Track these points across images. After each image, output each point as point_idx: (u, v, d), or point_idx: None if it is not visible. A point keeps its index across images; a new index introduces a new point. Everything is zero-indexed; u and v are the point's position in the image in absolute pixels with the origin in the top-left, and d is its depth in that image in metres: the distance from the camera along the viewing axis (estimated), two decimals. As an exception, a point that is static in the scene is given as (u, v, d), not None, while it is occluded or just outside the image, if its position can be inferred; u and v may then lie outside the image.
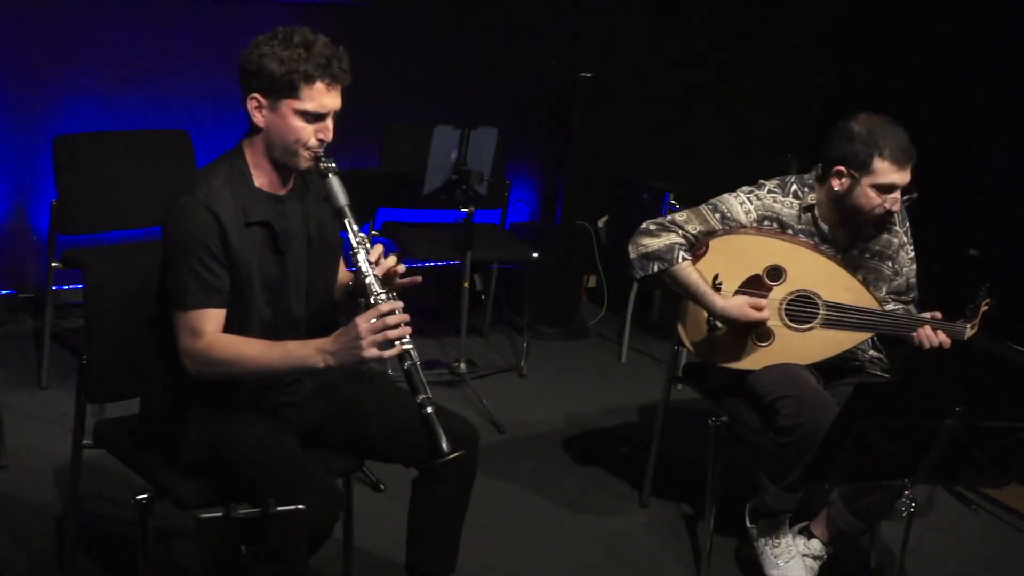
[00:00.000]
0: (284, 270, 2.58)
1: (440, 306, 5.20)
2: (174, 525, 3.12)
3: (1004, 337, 4.24)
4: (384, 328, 2.39)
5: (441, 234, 4.66)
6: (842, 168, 3.08)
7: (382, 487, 3.57)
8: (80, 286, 4.18)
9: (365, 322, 2.39)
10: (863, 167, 3.04)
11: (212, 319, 2.47)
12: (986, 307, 3.12)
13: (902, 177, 3.05)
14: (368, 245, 2.51)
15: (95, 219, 4.12)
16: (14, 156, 4.53)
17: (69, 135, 4.13)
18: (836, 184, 3.10)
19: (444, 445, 2.42)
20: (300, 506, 2.15)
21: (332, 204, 2.52)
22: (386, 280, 2.52)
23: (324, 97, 2.47)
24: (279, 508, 2.13)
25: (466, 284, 4.35)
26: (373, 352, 2.39)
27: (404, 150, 4.70)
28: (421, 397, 2.44)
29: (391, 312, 2.40)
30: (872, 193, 3.05)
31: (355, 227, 2.50)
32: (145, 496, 2.58)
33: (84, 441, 2.82)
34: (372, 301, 2.45)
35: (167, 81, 4.68)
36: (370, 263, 2.49)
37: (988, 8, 5.01)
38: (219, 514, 2.11)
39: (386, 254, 2.57)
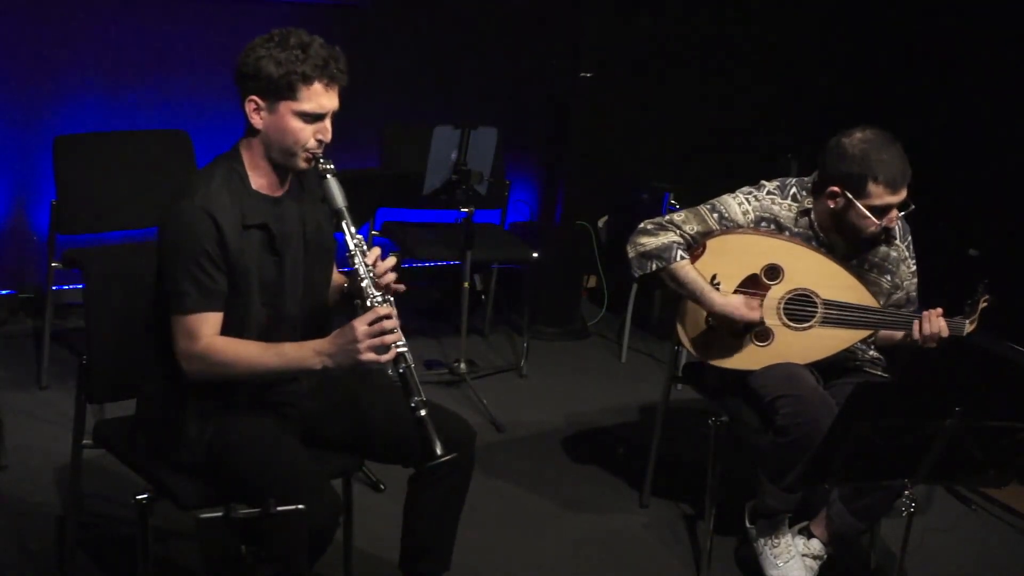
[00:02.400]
0: (281, 272, 2.58)
1: (440, 306, 5.20)
2: (174, 525, 3.12)
3: (1004, 337, 4.24)
4: (381, 332, 2.40)
5: (441, 234, 4.66)
6: (836, 189, 3.06)
7: (382, 487, 3.57)
8: (80, 286, 4.18)
9: (362, 325, 2.40)
10: (857, 191, 3.02)
11: (209, 322, 2.47)
12: (984, 303, 3.11)
13: (898, 198, 3.04)
14: (365, 247, 2.52)
15: (95, 219, 4.12)
16: (14, 156, 4.53)
17: (69, 135, 4.13)
18: (831, 203, 3.09)
19: (437, 448, 2.43)
20: (300, 506, 2.15)
21: (330, 206, 2.53)
22: (381, 283, 2.52)
23: (322, 98, 2.47)
24: (279, 508, 2.13)
25: (466, 284, 4.35)
26: (370, 356, 2.41)
27: (404, 150, 4.70)
28: (415, 400, 2.45)
29: (388, 316, 2.41)
30: (867, 214, 3.04)
31: (352, 229, 2.51)
32: (145, 496, 2.58)
33: (84, 441, 2.83)
34: (369, 304, 2.46)
35: (167, 81, 4.68)
36: (367, 266, 2.50)
37: (988, 7, 5.01)
38: (219, 514, 2.11)
39: (384, 255, 2.58)
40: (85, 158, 4.10)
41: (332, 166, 2.53)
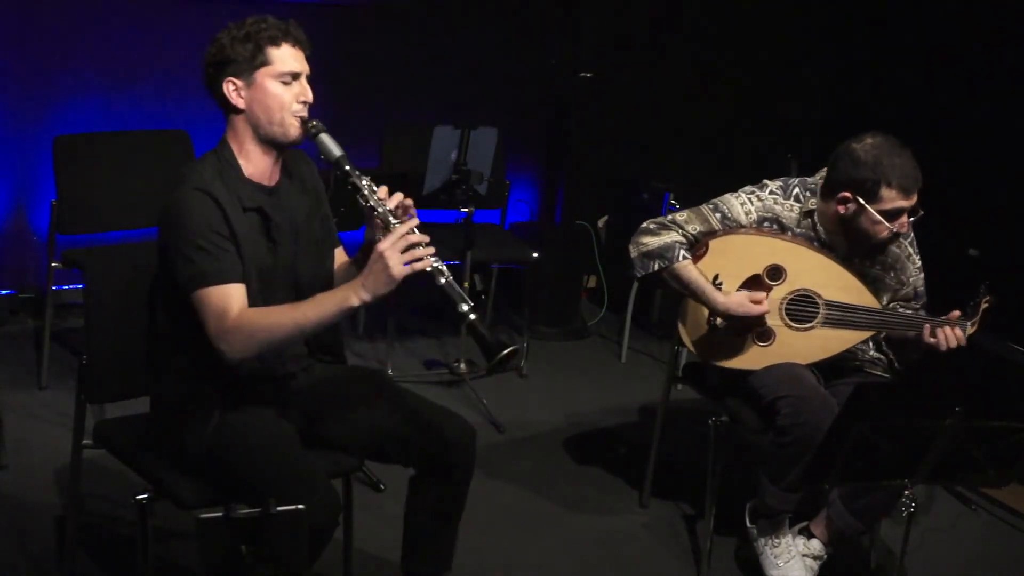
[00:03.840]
0: (275, 259, 2.58)
1: (439, 306, 5.19)
2: (174, 525, 3.12)
3: (1004, 337, 4.24)
4: (408, 245, 2.38)
5: (441, 234, 4.61)
6: (847, 194, 3.06)
7: (382, 487, 3.57)
8: (80, 286, 4.18)
9: (387, 244, 2.38)
10: (870, 196, 3.02)
11: (236, 294, 2.44)
12: (986, 305, 3.11)
13: (909, 202, 3.03)
14: (374, 185, 2.52)
15: (95, 219, 4.12)
16: (14, 156, 4.54)
17: (69, 135, 4.13)
18: (842, 209, 3.08)
19: (496, 340, 2.39)
20: (300, 506, 2.15)
21: (328, 158, 2.54)
22: (398, 212, 2.52)
23: (292, 59, 2.53)
24: (279, 508, 2.13)
25: (466, 284, 4.34)
26: (403, 269, 2.37)
27: (404, 150, 4.70)
28: (464, 307, 2.42)
29: (410, 231, 2.40)
30: (879, 219, 3.04)
31: (357, 171, 2.52)
32: (145, 496, 2.58)
33: (84, 441, 2.82)
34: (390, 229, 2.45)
35: (167, 81, 4.69)
36: (379, 199, 2.50)
37: (988, 7, 5.01)
38: (219, 514, 2.11)
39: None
40: (85, 158, 4.10)
41: (321, 123, 2.55)
